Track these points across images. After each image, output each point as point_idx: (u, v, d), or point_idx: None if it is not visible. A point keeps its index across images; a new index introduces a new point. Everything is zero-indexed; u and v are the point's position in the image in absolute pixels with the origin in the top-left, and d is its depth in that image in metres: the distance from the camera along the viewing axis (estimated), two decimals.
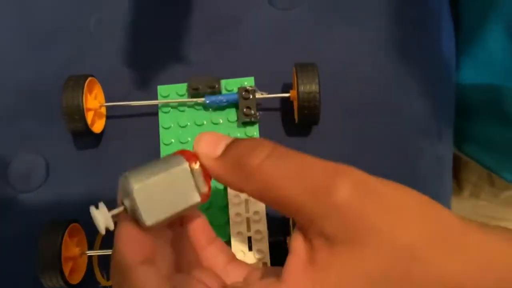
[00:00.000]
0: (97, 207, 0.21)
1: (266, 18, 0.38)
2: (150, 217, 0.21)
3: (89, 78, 0.33)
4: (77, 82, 0.32)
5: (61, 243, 0.29)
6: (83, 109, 0.32)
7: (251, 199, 0.31)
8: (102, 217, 0.21)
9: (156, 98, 0.35)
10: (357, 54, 0.37)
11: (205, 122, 0.35)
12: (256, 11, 0.38)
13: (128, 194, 0.21)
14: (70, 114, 0.32)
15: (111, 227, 0.21)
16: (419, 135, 0.35)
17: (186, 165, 0.22)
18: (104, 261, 0.32)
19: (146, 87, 0.36)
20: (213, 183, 0.33)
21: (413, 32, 0.37)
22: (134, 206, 0.20)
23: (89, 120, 0.33)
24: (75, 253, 0.31)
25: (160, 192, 0.21)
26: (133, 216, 0.21)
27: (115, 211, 0.21)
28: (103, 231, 0.21)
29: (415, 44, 0.37)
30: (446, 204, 0.36)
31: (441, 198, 0.35)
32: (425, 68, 0.37)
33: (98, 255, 0.32)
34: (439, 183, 0.34)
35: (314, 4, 0.38)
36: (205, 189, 0.22)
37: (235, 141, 0.22)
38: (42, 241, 0.29)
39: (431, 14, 0.38)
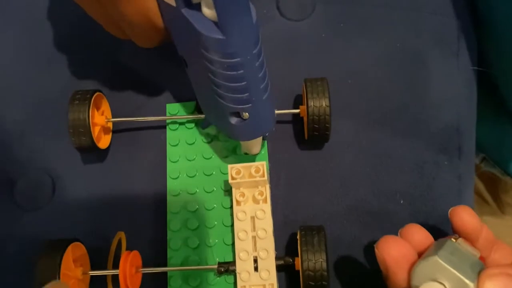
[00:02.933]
0: None
1: (277, 29, 0.37)
2: None
3: (96, 93, 0.33)
4: (83, 96, 0.32)
5: (60, 263, 0.28)
6: (89, 123, 0.31)
7: (258, 215, 0.30)
8: None
9: (164, 115, 0.35)
10: (369, 66, 0.36)
11: (212, 140, 0.34)
12: (266, 22, 0.37)
13: None
14: (76, 128, 0.31)
15: None
16: (437, 151, 0.34)
17: None
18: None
19: (154, 104, 0.36)
20: (218, 200, 0.32)
21: (429, 43, 0.36)
22: None
23: (95, 136, 0.32)
24: (76, 273, 0.30)
25: None
26: None
27: None
28: None
29: (432, 56, 0.36)
30: None
31: None
32: (442, 81, 0.35)
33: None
34: (458, 203, 0.32)
35: (324, 15, 0.37)
36: None
37: None
38: (40, 259, 0.28)
39: (449, 23, 0.37)
